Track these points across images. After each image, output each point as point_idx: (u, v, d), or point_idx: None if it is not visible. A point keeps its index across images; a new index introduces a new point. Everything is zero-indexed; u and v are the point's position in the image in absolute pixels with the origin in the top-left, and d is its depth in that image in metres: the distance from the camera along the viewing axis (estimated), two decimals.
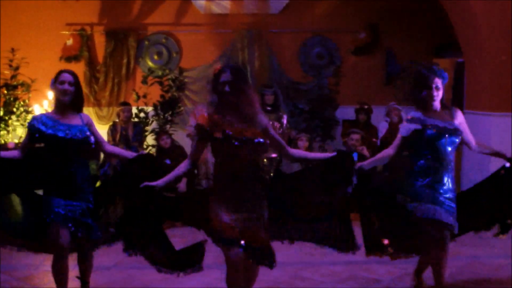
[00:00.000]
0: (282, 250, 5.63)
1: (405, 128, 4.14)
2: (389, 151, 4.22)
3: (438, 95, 4.06)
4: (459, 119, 4.16)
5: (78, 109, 4.00)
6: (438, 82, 4.04)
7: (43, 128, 3.82)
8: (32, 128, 3.87)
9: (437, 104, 4.09)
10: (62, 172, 3.83)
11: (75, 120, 3.92)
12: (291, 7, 9.74)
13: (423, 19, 9.63)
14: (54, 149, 3.84)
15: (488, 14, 7.16)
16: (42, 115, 3.98)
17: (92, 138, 3.92)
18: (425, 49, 9.79)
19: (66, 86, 3.87)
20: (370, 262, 5.28)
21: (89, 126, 3.98)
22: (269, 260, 3.64)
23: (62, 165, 3.83)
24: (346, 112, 9.14)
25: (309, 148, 7.69)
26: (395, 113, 8.14)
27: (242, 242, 3.49)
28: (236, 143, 3.47)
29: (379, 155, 4.27)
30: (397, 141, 4.19)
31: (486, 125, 7.19)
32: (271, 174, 7.72)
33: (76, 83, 3.93)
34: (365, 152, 7.60)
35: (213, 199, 3.62)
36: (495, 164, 7.15)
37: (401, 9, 9.64)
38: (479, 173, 7.23)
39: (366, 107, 8.56)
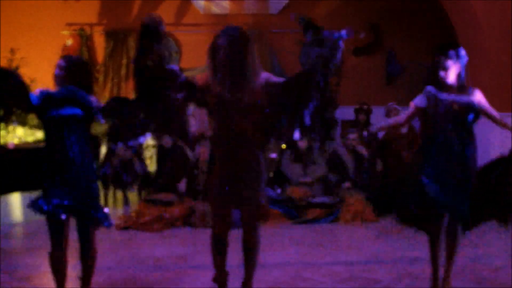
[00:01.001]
0: (282, 250, 5.66)
1: (418, 99, 4.18)
2: (399, 119, 4.28)
3: (447, 74, 4.07)
4: (477, 97, 4.15)
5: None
6: (446, 61, 4.07)
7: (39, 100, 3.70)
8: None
9: (450, 81, 4.10)
10: (61, 158, 3.69)
11: None
12: (291, 8, 9.75)
13: (424, 19, 9.64)
14: (52, 130, 3.71)
15: (489, 14, 7.17)
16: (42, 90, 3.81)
17: (98, 115, 3.74)
18: (426, 49, 9.78)
19: (56, 71, 3.77)
20: (370, 262, 5.30)
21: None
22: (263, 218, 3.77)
23: (61, 150, 3.68)
24: (346, 112, 9.14)
25: (309, 148, 7.70)
26: (394, 113, 8.14)
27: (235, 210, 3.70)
28: (231, 106, 3.51)
29: (390, 121, 4.30)
30: (408, 111, 4.24)
31: (486, 125, 7.18)
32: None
33: (67, 67, 3.76)
34: (364, 151, 7.62)
35: (212, 167, 3.73)
36: (497, 152, 7.15)
37: (401, 9, 9.66)
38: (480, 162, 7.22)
39: (365, 107, 8.57)
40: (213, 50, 3.55)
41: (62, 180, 3.70)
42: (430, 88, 4.15)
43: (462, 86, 4.15)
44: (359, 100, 8.82)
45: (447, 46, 4.17)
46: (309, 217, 6.86)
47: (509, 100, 7.20)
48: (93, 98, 3.84)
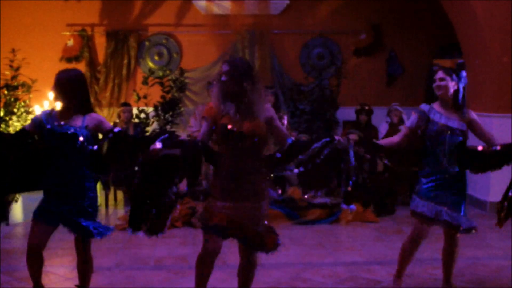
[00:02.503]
0: (282, 251, 5.64)
1: (411, 120, 4.22)
2: (395, 138, 4.29)
3: (441, 86, 4.08)
4: (471, 117, 4.17)
5: (84, 111, 3.83)
6: (441, 74, 4.09)
7: (44, 122, 3.73)
8: (36, 119, 3.79)
9: (444, 96, 4.11)
10: (57, 169, 3.71)
11: (76, 122, 3.77)
12: (292, 8, 9.75)
13: (425, 20, 9.64)
14: (51, 144, 3.72)
15: (489, 15, 7.16)
16: (44, 112, 3.86)
17: (80, 139, 3.70)
18: (427, 50, 9.79)
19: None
20: (371, 263, 5.30)
21: (95, 126, 3.82)
22: (265, 248, 3.74)
23: (58, 162, 3.71)
24: (347, 112, 9.14)
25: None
26: (396, 113, 8.15)
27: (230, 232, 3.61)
28: (236, 136, 3.53)
29: (386, 140, 4.36)
30: (402, 132, 4.27)
31: (486, 126, 7.16)
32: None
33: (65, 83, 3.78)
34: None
35: (213, 190, 3.65)
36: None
37: (401, 10, 9.66)
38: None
39: (366, 107, 8.57)
40: (217, 76, 3.62)
41: (56, 189, 3.72)
42: (424, 107, 4.18)
43: (459, 106, 4.14)
44: (360, 101, 8.82)
45: (448, 67, 4.21)
46: (309, 217, 6.85)
47: (509, 100, 7.19)
48: (92, 116, 3.85)
